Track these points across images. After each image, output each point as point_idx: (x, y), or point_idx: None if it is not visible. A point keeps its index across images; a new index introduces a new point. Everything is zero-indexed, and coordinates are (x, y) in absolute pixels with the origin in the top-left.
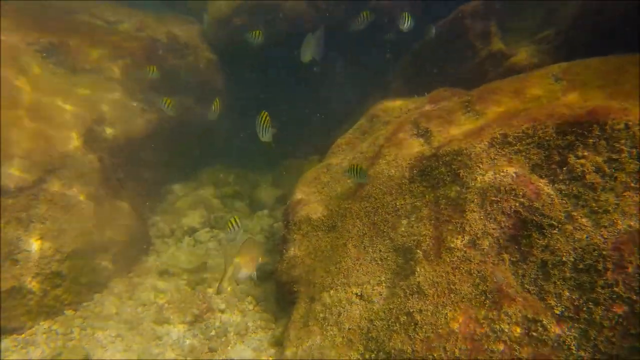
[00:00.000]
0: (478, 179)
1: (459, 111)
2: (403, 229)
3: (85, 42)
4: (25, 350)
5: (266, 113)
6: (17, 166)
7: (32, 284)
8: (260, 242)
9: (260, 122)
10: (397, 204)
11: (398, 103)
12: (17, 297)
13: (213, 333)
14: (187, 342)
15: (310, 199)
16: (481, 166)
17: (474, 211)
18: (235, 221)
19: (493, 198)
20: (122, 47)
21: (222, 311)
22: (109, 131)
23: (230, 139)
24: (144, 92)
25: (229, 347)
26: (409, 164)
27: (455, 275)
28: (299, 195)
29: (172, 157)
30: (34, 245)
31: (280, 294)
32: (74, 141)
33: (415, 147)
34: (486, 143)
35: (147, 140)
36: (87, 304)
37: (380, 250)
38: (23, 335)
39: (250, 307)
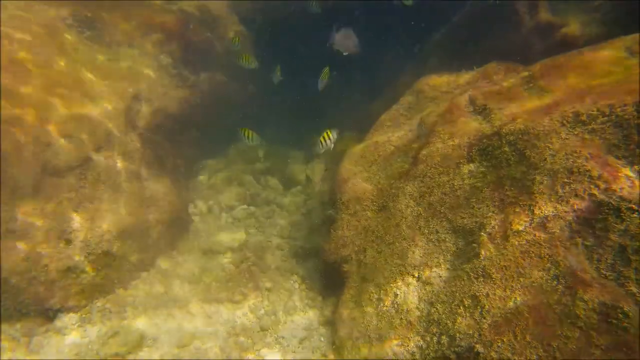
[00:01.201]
0: (548, 159)
1: (519, 87)
2: (462, 210)
3: (119, 16)
4: (83, 327)
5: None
6: (64, 145)
7: (85, 264)
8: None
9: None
10: (455, 184)
11: (445, 78)
12: (72, 277)
13: (262, 312)
14: (238, 321)
15: (358, 177)
16: (551, 146)
17: (544, 193)
18: (328, 135)
19: (565, 180)
20: (155, 20)
21: (269, 290)
22: (147, 108)
23: (261, 114)
24: (177, 67)
25: (280, 326)
26: (467, 142)
27: (524, 259)
28: (345, 173)
29: (204, 133)
30: (85, 225)
31: (327, 273)
32: (116, 119)
33: (472, 125)
34: (556, 122)
35: (181, 117)
36: (136, 283)
37: (437, 232)
38: (79, 314)
39: (296, 285)
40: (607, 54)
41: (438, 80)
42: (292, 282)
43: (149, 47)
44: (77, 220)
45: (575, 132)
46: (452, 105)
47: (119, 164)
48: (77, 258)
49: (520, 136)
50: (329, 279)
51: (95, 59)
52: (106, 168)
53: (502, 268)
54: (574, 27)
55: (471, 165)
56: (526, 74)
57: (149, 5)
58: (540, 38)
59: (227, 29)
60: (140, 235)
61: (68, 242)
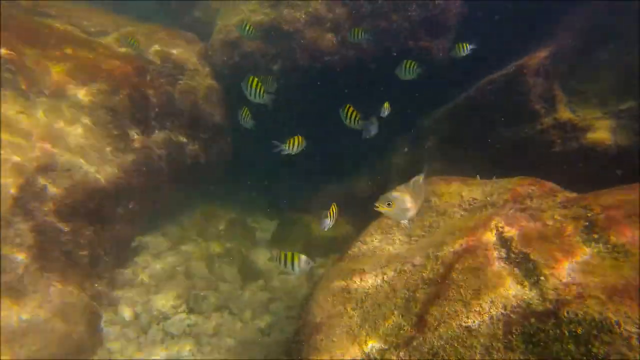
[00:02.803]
0: None
1: (575, 234)
2: None
3: (50, 58)
4: None
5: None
6: None
7: None
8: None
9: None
10: None
11: (455, 186)
12: None
13: None
14: None
15: (336, 327)
16: None
17: None
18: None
19: None
20: (99, 66)
21: None
22: (62, 181)
23: (227, 179)
24: (122, 125)
25: None
26: (502, 315)
27: None
28: (318, 315)
29: (150, 204)
30: None
31: None
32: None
33: (510, 286)
34: None
35: (119, 188)
36: None
37: None
38: None
39: None
40: None
41: (445, 190)
42: None
43: (85, 99)
44: None
45: None
46: (476, 242)
47: None
48: None
49: (593, 329)
50: None
51: None
52: None
53: None
54: (601, 133)
55: (511, 354)
56: (579, 212)
57: (96, 46)
58: (561, 139)
59: (195, 82)
60: None
61: None
